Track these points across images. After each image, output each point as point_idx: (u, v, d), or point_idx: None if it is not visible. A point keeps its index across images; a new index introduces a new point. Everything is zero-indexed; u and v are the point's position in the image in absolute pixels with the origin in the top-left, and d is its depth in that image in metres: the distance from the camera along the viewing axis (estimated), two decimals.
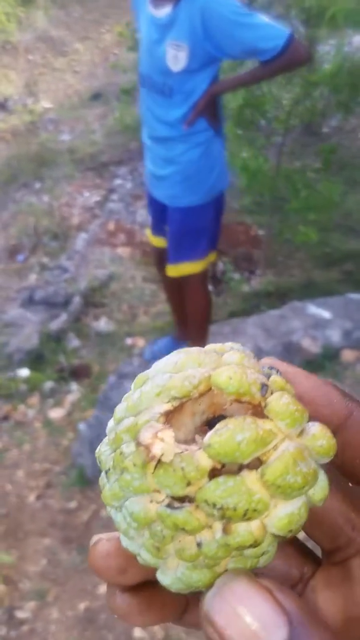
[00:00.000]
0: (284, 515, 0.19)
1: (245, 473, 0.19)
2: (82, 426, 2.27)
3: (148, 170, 2.14)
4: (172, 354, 0.22)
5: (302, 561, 0.25)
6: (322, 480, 0.20)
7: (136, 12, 1.98)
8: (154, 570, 0.22)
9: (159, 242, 2.26)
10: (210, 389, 0.20)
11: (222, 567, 0.20)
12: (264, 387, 0.20)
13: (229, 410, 0.21)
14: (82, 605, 1.76)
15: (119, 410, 0.22)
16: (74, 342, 2.75)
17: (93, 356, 2.69)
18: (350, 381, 2.20)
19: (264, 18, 1.77)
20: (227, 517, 0.19)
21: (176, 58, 1.79)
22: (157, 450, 0.19)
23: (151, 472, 0.20)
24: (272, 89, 2.82)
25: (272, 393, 0.20)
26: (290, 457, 0.19)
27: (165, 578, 0.21)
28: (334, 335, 2.32)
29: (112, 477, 0.21)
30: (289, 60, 1.77)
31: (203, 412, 0.21)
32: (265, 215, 3.21)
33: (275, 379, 0.21)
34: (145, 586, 0.23)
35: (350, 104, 2.94)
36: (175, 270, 2.15)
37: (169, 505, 0.19)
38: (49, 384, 2.55)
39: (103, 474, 0.22)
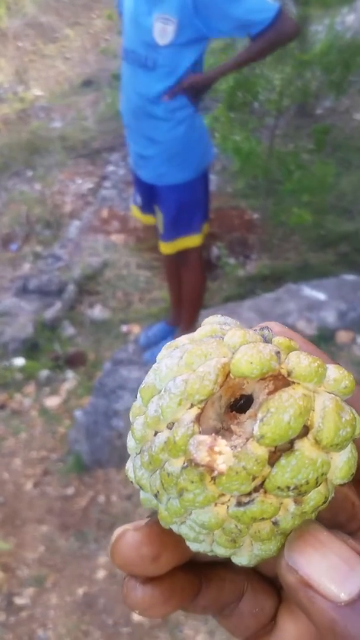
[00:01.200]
0: (343, 464, 0.20)
1: (299, 445, 0.19)
2: (78, 413, 2.27)
3: (132, 150, 2.12)
4: (164, 352, 0.22)
5: None
6: (358, 417, 0.20)
7: None
8: (185, 553, 0.23)
9: (148, 219, 2.26)
10: (226, 378, 0.20)
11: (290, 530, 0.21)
12: (279, 354, 0.20)
13: (248, 387, 0.21)
14: (80, 591, 1.77)
15: (138, 428, 0.22)
16: (69, 330, 2.74)
17: (88, 344, 2.68)
18: (346, 362, 2.20)
19: None
20: (304, 492, 0.19)
21: (164, 31, 1.78)
22: (222, 466, 0.19)
23: (210, 482, 0.19)
24: (264, 69, 2.78)
25: (286, 356, 0.20)
26: (333, 413, 0.19)
27: (242, 559, 0.22)
28: (329, 317, 2.30)
29: (164, 498, 0.21)
30: (278, 33, 1.77)
31: (221, 398, 0.21)
32: (259, 199, 3.19)
33: (279, 340, 0.21)
34: (166, 575, 0.23)
35: (343, 83, 2.91)
36: (171, 247, 2.15)
37: (239, 504, 0.19)
38: (44, 373, 2.54)
39: (149, 495, 0.22)
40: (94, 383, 2.38)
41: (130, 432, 0.23)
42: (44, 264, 3.15)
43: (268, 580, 0.25)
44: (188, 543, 0.22)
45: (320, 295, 2.37)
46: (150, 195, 2.16)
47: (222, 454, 0.19)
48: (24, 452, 2.21)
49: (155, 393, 0.21)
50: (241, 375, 0.20)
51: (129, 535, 0.23)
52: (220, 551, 0.21)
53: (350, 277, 2.50)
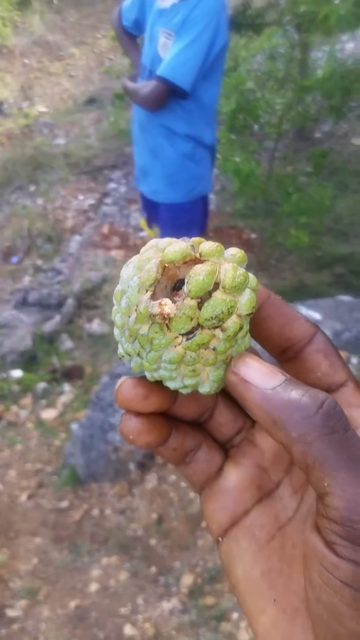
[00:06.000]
0: (245, 301, 0.29)
1: (214, 294, 0.29)
2: (74, 427, 2.28)
3: (136, 164, 2.22)
4: (125, 268, 0.31)
5: (244, 415, 0.35)
6: (251, 275, 0.30)
7: (142, 11, 2.04)
8: (166, 401, 0.32)
9: (152, 233, 2.32)
10: (164, 269, 0.30)
11: (229, 358, 0.30)
12: (193, 246, 0.30)
13: (181, 274, 0.30)
14: (72, 604, 1.77)
15: (117, 319, 0.31)
16: (67, 343, 2.77)
17: (86, 357, 2.70)
18: None
19: (186, 50, 1.84)
20: (222, 319, 0.29)
21: (165, 45, 1.88)
22: (168, 310, 0.28)
23: (167, 329, 0.29)
24: (265, 94, 2.85)
25: (198, 247, 0.30)
26: (231, 269, 0.29)
27: (205, 387, 0.31)
28: None
29: (144, 353, 0.30)
30: (152, 89, 1.90)
31: (165, 286, 0.30)
32: (257, 219, 3.24)
33: (194, 239, 0.31)
34: (152, 415, 0.32)
35: (342, 108, 2.97)
36: None
37: (188, 339, 0.29)
38: (41, 385, 2.56)
39: (136, 358, 0.31)
40: (90, 397, 2.40)
41: (114, 327, 0.32)
42: (44, 277, 3.19)
43: (219, 443, 0.35)
44: (167, 383, 0.31)
45: (316, 315, 2.41)
46: (152, 211, 2.22)
47: (167, 305, 0.28)
48: (19, 464, 2.22)
49: (123, 293, 0.31)
50: (170, 260, 0.29)
51: (128, 380, 0.32)
52: (189, 382, 0.30)
53: (345, 298, 2.54)
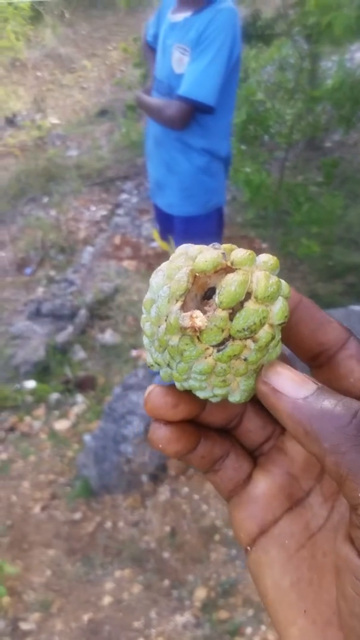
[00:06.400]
0: (277, 310, 0.29)
1: (246, 304, 0.28)
2: (87, 437, 2.29)
3: (150, 177, 2.22)
4: (153, 275, 0.31)
5: (274, 422, 0.34)
6: (284, 282, 0.30)
7: (159, 25, 2.06)
8: (195, 409, 0.32)
9: (165, 245, 2.34)
10: (195, 279, 0.29)
11: (260, 366, 0.30)
12: (224, 254, 0.29)
13: (211, 282, 0.30)
14: (86, 617, 1.77)
15: (147, 328, 0.31)
16: (79, 354, 2.78)
17: (98, 368, 2.72)
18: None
19: (208, 66, 1.82)
20: (254, 330, 0.28)
21: (180, 61, 1.88)
22: (199, 322, 0.28)
23: (198, 341, 0.28)
24: (275, 104, 2.86)
25: (229, 255, 0.29)
26: (263, 278, 0.28)
27: (235, 397, 0.31)
28: None
29: (173, 364, 0.30)
30: (175, 109, 1.88)
31: (196, 295, 0.29)
32: (268, 229, 3.24)
33: (224, 246, 0.30)
34: (181, 423, 0.32)
35: (352, 118, 2.98)
36: None
37: (219, 350, 0.28)
38: (54, 396, 2.58)
39: (165, 368, 0.31)
40: (103, 407, 2.41)
41: (143, 335, 0.32)
42: (57, 288, 3.21)
43: (247, 450, 0.35)
44: (197, 393, 0.31)
45: None
46: (166, 223, 2.24)
47: (198, 317, 0.28)
48: (32, 475, 2.24)
49: (153, 302, 0.30)
50: (201, 270, 0.28)
51: (158, 389, 0.32)
52: (219, 392, 0.30)
53: (357, 308, 2.53)
